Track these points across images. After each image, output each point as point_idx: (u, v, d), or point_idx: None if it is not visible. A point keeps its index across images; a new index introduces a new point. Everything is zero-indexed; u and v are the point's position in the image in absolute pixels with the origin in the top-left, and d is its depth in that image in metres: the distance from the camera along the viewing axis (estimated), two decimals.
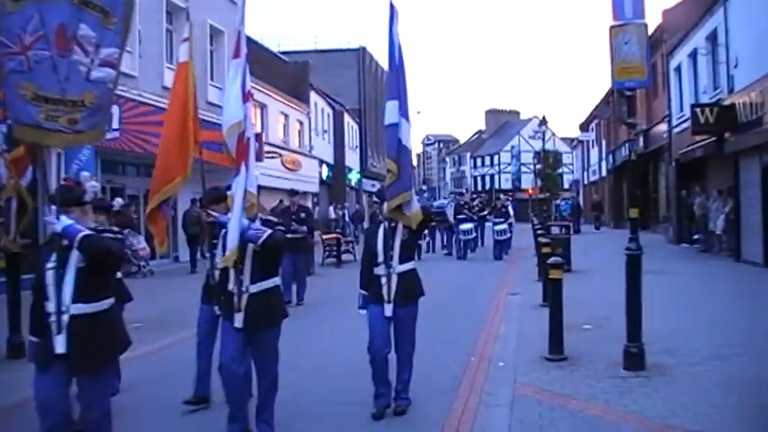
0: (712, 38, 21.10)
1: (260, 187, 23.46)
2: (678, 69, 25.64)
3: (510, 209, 26.43)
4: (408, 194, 6.50)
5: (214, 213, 6.39)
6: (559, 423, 6.05)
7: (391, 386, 6.61)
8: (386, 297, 6.52)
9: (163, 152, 7.27)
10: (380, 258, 6.59)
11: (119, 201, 18.45)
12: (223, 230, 5.95)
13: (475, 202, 28.74)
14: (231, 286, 5.80)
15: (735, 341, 8.77)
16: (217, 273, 6.28)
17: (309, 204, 38.71)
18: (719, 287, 14.41)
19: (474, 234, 25.17)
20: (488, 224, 26.43)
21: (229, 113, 6.12)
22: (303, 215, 14.49)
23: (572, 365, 7.99)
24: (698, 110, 19.90)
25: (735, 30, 18.91)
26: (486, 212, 27.20)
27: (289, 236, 13.62)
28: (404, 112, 6.57)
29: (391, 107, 6.57)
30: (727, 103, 19.20)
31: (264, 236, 5.72)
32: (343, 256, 23.38)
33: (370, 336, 6.57)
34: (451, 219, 25.09)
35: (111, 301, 5.05)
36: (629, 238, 7.80)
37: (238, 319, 5.71)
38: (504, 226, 24.45)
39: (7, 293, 10.00)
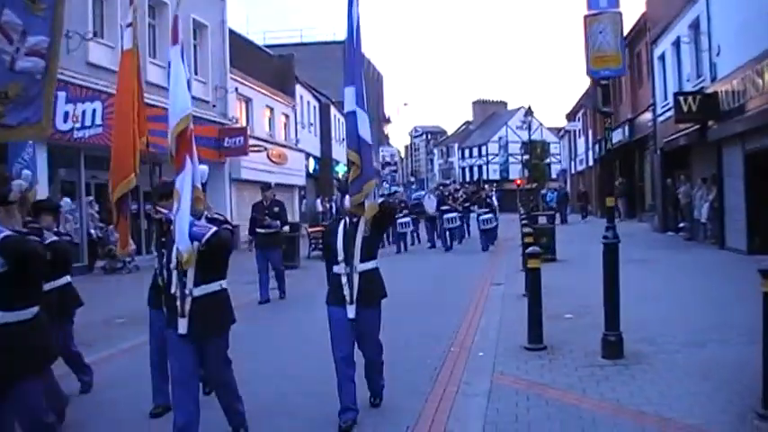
0: (695, 26, 21.14)
1: (246, 181, 23.40)
2: (662, 58, 25.67)
3: (494, 199, 26.39)
4: (372, 184, 6.14)
5: (163, 210, 6.02)
6: (534, 411, 6.08)
7: (356, 401, 6.14)
8: (348, 298, 6.11)
9: (115, 147, 6.64)
10: (341, 256, 6.18)
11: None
12: (172, 228, 5.41)
13: (459, 193, 28.73)
14: (173, 289, 5.39)
15: (713, 328, 8.81)
16: (167, 273, 5.68)
17: (296, 197, 38.80)
18: (701, 275, 14.47)
19: (458, 223, 25.21)
20: (473, 215, 26.41)
21: (179, 106, 5.59)
22: (276, 209, 13.94)
23: (551, 354, 8.02)
24: (681, 98, 19.91)
25: (717, 18, 18.94)
26: (469, 203, 27.17)
27: (261, 231, 13.32)
28: (360, 100, 6.14)
29: (349, 94, 6.12)
30: (709, 91, 19.23)
31: (209, 234, 5.22)
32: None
33: (333, 341, 6.23)
34: (431, 210, 25.18)
35: (34, 309, 4.80)
36: (606, 227, 7.80)
37: (182, 325, 5.32)
38: (489, 215, 24.25)
39: None
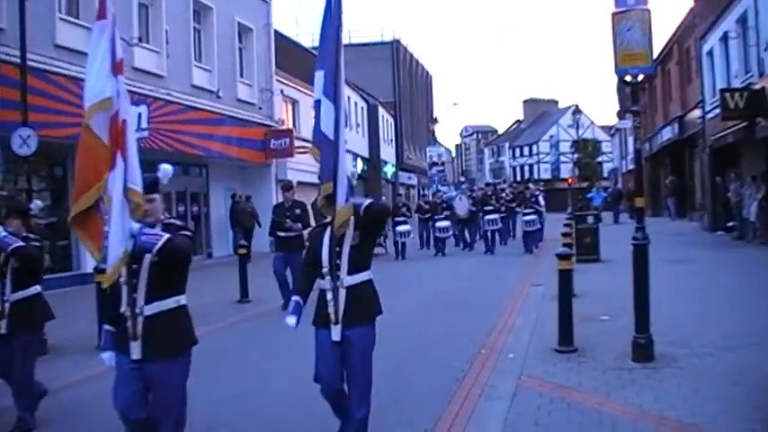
0: (742, 21, 20.77)
1: (297, 183, 23.23)
2: (710, 53, 25.25)
3: (540, 198, 24.73)
4: (329, 187, 5.16)
5: None
6: (555, 415, 6.01)
7: None
8: (333, 317, 5.20)
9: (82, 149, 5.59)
10: (325, 268, 5.28)
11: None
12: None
13: (505, 192, 27.33)
14: (123, 308, 4.64)
15: (751, 332, 8.61)
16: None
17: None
18: (745, 276, 14.15)
19: (499, 225, 23.81)
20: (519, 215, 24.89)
21: (93, 88, 4.76)
22: (298, 211, 13.00)
23: (581, 357, 7.93)
24: (727, 95, 19.57)
25: (765, 12, 18.59)
26: (515, 203, 25.38)
27: (282, 233, 12.90)
28: (328, 88, 5.28)
29: (318, 79, 5.32)
30: (757, 86, 18.86)
31: (161, 242, 4.48)
32: (375, 249, 23.25)
33: (316, 367, 5.33)
34: (462, 213, 23.69)
35: None
36: (636, 227, 7.67)
37: (135, 350, 4.60)
38: (533, 216, 22.97)
39: None
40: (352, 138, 41.08)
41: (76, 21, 17.93)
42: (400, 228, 23.04)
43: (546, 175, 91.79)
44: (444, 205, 24.52)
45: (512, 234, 27.40)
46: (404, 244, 23.13)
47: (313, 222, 11.49)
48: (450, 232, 24.42)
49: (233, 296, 14.14)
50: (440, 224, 23.69)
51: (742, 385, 6.49)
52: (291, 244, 12.94)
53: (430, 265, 20.60)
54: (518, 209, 24.60)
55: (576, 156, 55.61)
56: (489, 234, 23.31)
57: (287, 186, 13.59)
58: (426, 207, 25.56)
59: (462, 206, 23.77)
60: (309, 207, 12.53)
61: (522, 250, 22.45)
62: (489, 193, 24.66)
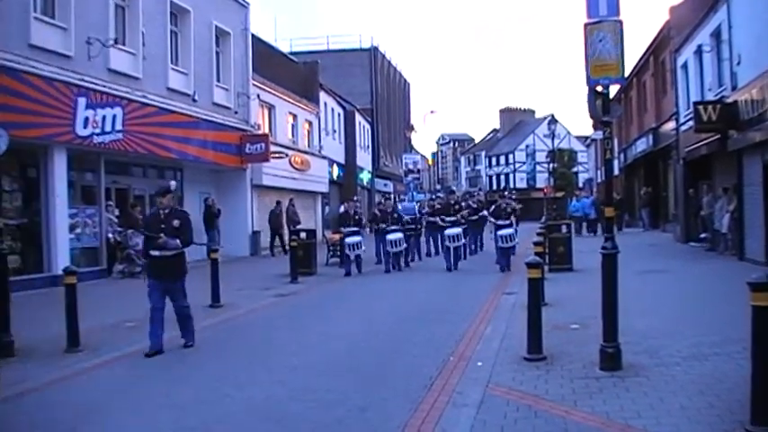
0: (716, 35, 20.95)
1: (267, 187, 23.18)
2: (685, 66, 25.48)
3: (515, 207, 21.01)
4: None
5: None
6: (521, 423, 6.01)
7: None
8: None
9: None
10: None
11: None
12: None
13: (470, 202, 25.47)
14: None
15: (719, 341, 8.67)
16: None
17: (319, 204, 38.80)
18: (715, 287, 14.29)
19: (462, 240, 21.07)
20: (489, 228, 22.18)
21: None
22: (177, 223, 9.74)
23: (549, 365, 7.95)
24: (701, 107, 19.76)
25: (738, 26, 18.75)
26: (483, 212, 23.36)
27: (156, 253, 9.68)
28: None
29: None
30: (730, 100, 19.04)
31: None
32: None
33: None
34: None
35: None
36: (605, 237, 7.70)
37: None
38: (510, 230, 19.40)
39: None
40: (328, 144, 41.14)
41: (52, 21, 17.77)
42: (350, 239, 20.26)
43: (522, 185, 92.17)
44: (396, 215, 21.67)
45: (479, 246, 25.49)
46: (357, 257, 20.41)
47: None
48: (404, 245, 21.03)
49: (205, 301, 14.04)
50: (390, 236, 20.53)
51: (708, 395, 6.52)
52: (168, 267, 9.77)
53: (374, 284, 18.23)
54: (490, 219, 20.79)
55: (551, 165, 55.84)
56: (452, 250, 20.40)
57: (163, 191, 10.11)
58: (379, 216, 21.85)
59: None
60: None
61: (489, 265, 20.10)
62: (452, 203, 22.36)
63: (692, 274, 16.65)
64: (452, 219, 20.99)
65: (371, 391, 7.26)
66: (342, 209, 23.51)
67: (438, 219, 21.56)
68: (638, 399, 6.51)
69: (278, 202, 29.74)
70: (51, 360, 9.19)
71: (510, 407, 6.49)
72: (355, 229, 20.61)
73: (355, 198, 26.96)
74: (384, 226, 20.93)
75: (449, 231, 20.38)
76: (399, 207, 24.26)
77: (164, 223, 9.69)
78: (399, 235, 20.60)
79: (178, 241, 9.69)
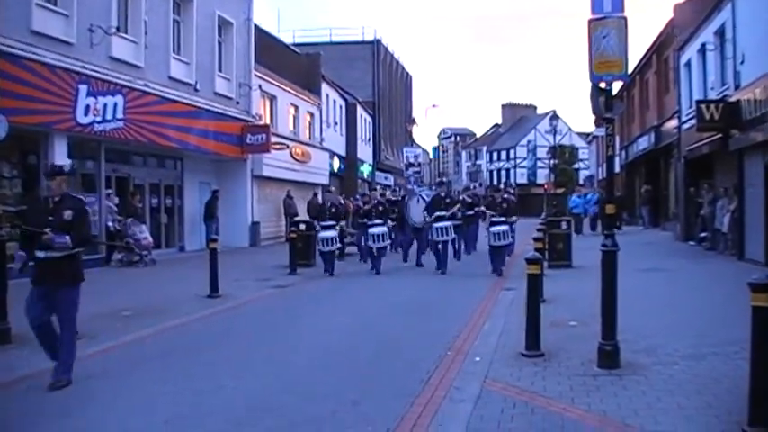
0: (720, 33, 20.90)
1: (268, 178, 22.92)
2: (688, 65, 25.41)
3: (512, 204, 18.73)
4: None
5: None
6: (518, 420, 5.99)
7: None
8: None
9: None
10: None
11: None
12: None
13: (464, 196, 23.42)
14: None
15: (718, 341, 8.64)
16: None
17: (320, 195, 38.84)
18: (715, 286, 14.26)
19: (451, 235, 18.53)
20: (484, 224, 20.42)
21: None
22: (68, 214, 7.47)
23: (547, 362, 7.92)
24: (703, 106, 19.71)
25: (742, 25, 18.69)
26: (482, 208, 20.91)
27: (41, 254, 7.45)
28: None
29: None
30: (732, 99, 19.00)
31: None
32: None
33: None
34: (416, 220, 19.70)
35: None
36: (605, 235, 7.67)
37: None
38: (504, 227, 17.24)
39: None
40: (329, 136, 41.09)
41: (54, 7, 17.72)
42: (324, 234, 18.52)
43: (522, 180, 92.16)
44: (382, 208, 19.57)
45: (470, 247, 22.96)
46: (331, 254, 18.53)
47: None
48: (388, 241, 19.32)
49: (203, 291, 14.03)
50: (373, 230, 18.68)
51: (705, 395, 6.49)
52: (54, 271, 7.42)
53: (355, 286, 16.50)
54: (489, 213, 18.53)
55: (552, 161, 55.78)
56: (440, 247, 18.25)
57: (53, 172, 7.82)
58: (365, 208, 20.01)
59: (418, 212, 19.64)
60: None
61: (486, 268, 17.61)
62: (442, 195, 19.29)
63: (691, 273, 16.62)
64: (442, 213, 18.16)
65: (367, 385, 7.24)
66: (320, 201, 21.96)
67: (425, 214, 18.91)
68: (635, 397, 6.48)
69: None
70: None
71: (507, 403, 6.46)
72: (331, 223, 18.87)
73: (331, 189, 26.19)
74: (366, 220, 19.22)
75: (437, 225, 17.96)
76: (422, 194, 22.14)
77: (52, 214, 7.48)
78: (383, 229, 18.81)
79: (68, 238, 7.33)
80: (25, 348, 8.99)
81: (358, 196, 25.27)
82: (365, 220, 19.40)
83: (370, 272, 18.49)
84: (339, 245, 19.37)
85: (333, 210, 19.36)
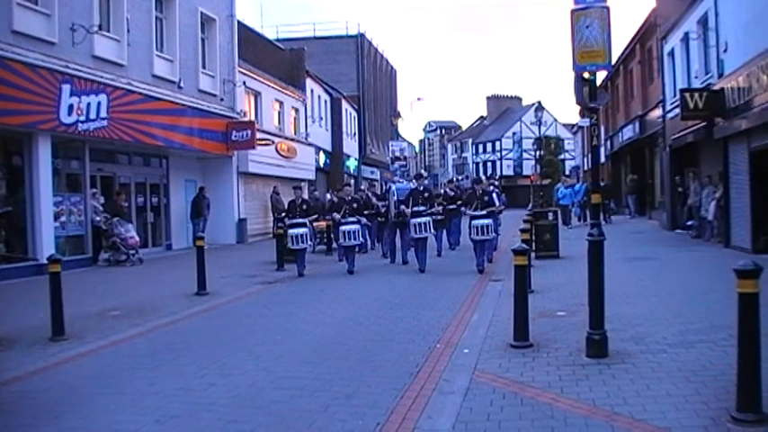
0: (703, 22, 20.96)
1: (254, 175, 22.78)
2: (671, 54, 25.48)
3: (495, 197, 17.19)
4: None
5: None
6: (508, 410, 6.00)
7: None
8: None
9: None
10: None
11: None
12: None
13: (446, 188, 23.22)
14: None
15: (705, 328, 8.71)
16: None
17: (306, 191, 38.74)
18: (701, 274, 14.35)
19: (430, 231, 17.29)
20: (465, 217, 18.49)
21: None
22: None
23: (535, 353, 7.95)
24: (687, 95, 19.77)
25: (724, 13, 18.76)
26: (456, 205, 20.24)
27: None
28: None
29: None
30: (716, 87, 19.08)
31: None
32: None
33: None
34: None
35: None
36: (591, 224, 7.70)
37: None
38: (487, 221, 16.17)
39: None
40: (315, 131, 41.02)
41: (35, 7, 17.57)
42: (293, 231, 17.39)
43: (508, 172, 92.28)
44: (356, 204, 18.48)
45: (453, 241, 22.30)
46: (302, 252, 17.43)
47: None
48: (360, 240, 18.36)
49: (191, 289, 13.99)
50: (344, 227, 17.64)
51: (694, 382, 6.52)
52: None
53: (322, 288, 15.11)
54: (464, 209, 17.66)
55: (538, 153, 55.90)
56: (419, 244, 17.17)
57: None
58: (332, 201, 19.34)
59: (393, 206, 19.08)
60: None
61: (471, 263, 16.87)
62: (420, 189, 17.77)
63: (678, 261, 16.70)
64: (421, 209, 17.05)
65: (357, 379, 7.23)
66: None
67: (402, 208, 17.82)
68: (624, 386, 6.51)
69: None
70: (36, 348, 9.12)
71: (496, 394, 6.48)
72: (301, 220, 17.64)
73: (301, 185, 25.56)
74: (338, 216, 17.90)
75: (414, 220, 16.88)
76: (393, 188, 21.75)
77: None
78: (355, 226, 17.61)
79: None
80: (13, 350, 8.96)
81: (332, 191, 24.76)
82: (334, 214, 18.19)
83: (347, 271, 17.25)
84: (310, 242, 18.59)
85: (304, 206, 17.96)
